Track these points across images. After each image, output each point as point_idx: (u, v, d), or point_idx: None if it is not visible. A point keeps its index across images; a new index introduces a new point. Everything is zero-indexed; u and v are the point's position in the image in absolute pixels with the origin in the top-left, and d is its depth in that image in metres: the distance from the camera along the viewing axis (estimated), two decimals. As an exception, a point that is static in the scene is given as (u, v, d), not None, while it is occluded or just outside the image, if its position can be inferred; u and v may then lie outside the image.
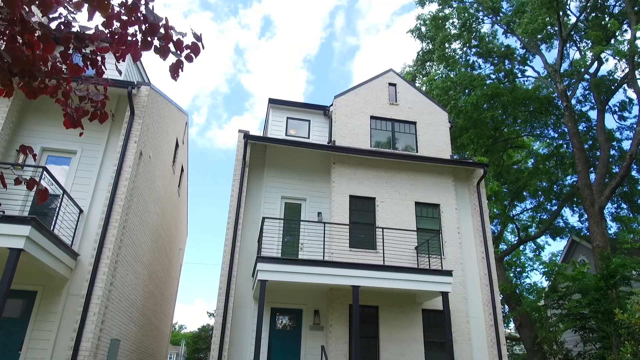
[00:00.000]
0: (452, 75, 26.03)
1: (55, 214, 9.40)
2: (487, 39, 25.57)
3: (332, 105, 16.03)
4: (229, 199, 13.29)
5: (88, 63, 3.82)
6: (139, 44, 3.48)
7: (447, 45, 25.64)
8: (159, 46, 3.47)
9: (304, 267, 11.36)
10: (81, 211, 10.37)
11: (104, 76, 4.38)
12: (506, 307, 24.02)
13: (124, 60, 3.74)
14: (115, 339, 10.66)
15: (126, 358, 12.32)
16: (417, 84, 27.34)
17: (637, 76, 21.16)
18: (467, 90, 25.13)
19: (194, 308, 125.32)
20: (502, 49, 25.29)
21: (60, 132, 11.00)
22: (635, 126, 21.14)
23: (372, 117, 16.11)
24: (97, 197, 10.74)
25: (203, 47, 3.57)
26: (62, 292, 9.65)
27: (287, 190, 14.19)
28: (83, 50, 3.73)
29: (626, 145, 23.63)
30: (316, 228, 13.46)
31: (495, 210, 27.06)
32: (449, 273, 12.18)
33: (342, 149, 14.57)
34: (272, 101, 16.20)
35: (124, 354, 11.96)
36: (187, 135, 19.63)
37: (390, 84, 16.91)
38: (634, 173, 23.39)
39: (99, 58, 3.85)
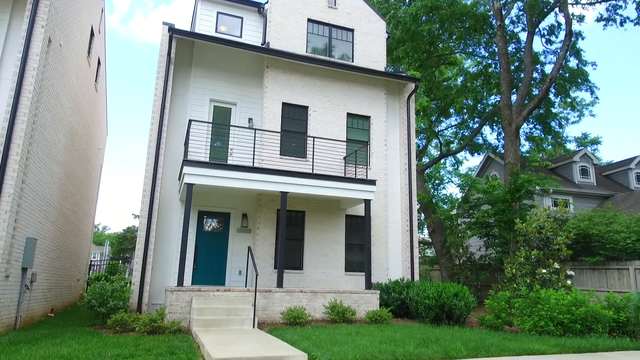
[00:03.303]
0: (394, -18, 25.10)
1: (-51, 103, 8.34)
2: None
3: (267, 2, 14.99)
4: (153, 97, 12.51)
5: None
6: None
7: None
8: None
9: (233, 172, 11.30)
10: (-19, 102, 9.28)
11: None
12: (422, 215, 25.97)
13: None
14: (32, 237, 10.25)
15: (45, 257, 12.00)
16: (358, -11, 26.12)
17: (569, 1, 21.69)
18: (407, 0, 24.54)
19: (118, 209, 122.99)
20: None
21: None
22: (559, 51, 22.09)
23: (309, 20, 15.37)
24: (0, 88, 9.62)
25: None
26: (-34, 187, 8.90)
27: (216, 93, 13.57)
28: None
29: (548, 69, 24.86)
30: (247, 134, 13.23)
31: (422, 125, 28.05)
32: (373, 182, 12.74)
33: (277, 52, 13.94)
34: (201, -8, 14.79)
35: (42, 253, 11.62)
36: (104, 23, 17.71)
37: (330, -15, 15.99)
38: (551, 96, 24.89)
39: None
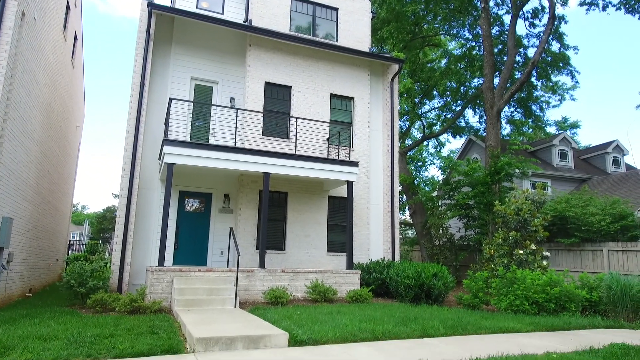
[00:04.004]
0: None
1: None
2: None
3: (250, -21, 14.63)
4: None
5: None
6: None
7: None
8: None
9: (215, 152, 11.18)
10: (-49, 76, 8.93)
11: None
12: (404, 196, 26.20)
13: None
14: (8, 217, 10.03)
15: (22, 236, 11.78)
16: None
17: (553, -16, 21.67)
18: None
19: (98, 189, 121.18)
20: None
21: None
22: (542, 35, 22.19)
23: (293, -2, 15.08)
24: (-30, 62, 9.25)
25: None
26: (-64, 167, 8.64)
27: (197, 71, 13.31)
28: None
29: (531, 52, 24.99)
30: (229, 114, 13.06)
31: (405, 106, 28.09)
32: (355, 164, 12.76)
33: (260, 30, 13.70)
34: (182, -33, 14.36)
35: (19, 232, 11.40)
36: (81, -3, 17.11)
37: (314, -38, 15.68)
38: (533, 80, 25.09)
39: None
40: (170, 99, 11.40)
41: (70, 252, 24.60)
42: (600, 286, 11.13)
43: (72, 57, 16.44)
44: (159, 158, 12.14)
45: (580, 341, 7.68)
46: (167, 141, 10.74)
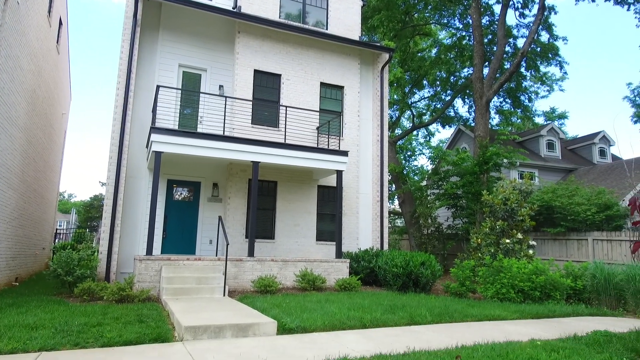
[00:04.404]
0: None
1: None
2: None
3: (239, -35, 14.42)
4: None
5: None
6: None
7: None
8: None
9: (203, 140, 11.08)
10: None
11: None
12: (393, 185, 26.30)
13: None
14: (-9, 206, 9.89)
15: (7, 225, 11.63)
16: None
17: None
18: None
19: (85, 177, 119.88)
20: None
21: None
22: (532, 25, 22.24)
23: (283, -15, 14.90)
24: (-49, 46, 9.04)
25: None
26: None
27: (185, 58, 13.14)
28: None
29: (521, 43, 25.06)
30: (217, 102, 12.94)
31: (395, 96, 28.06)
32: (345, 153, 12.76)
33: (249, 17, 13.52)
34: (170, -49, 14.06)
35: (4, 221, 11.25)
36: (66, -19, 16.72)
37: (305, -51, 15.48)
38: (522, 70, 25.18)
39: None
40: (158, 86, 11.25)
41: (57, 240, 24.38)
42: (585, 275, 11.32)
43: (57, 42, 16.12)
44: (147, 146, 12.01)
45: (564, 328, 7.82)
46: (154, 129, 10.62)
